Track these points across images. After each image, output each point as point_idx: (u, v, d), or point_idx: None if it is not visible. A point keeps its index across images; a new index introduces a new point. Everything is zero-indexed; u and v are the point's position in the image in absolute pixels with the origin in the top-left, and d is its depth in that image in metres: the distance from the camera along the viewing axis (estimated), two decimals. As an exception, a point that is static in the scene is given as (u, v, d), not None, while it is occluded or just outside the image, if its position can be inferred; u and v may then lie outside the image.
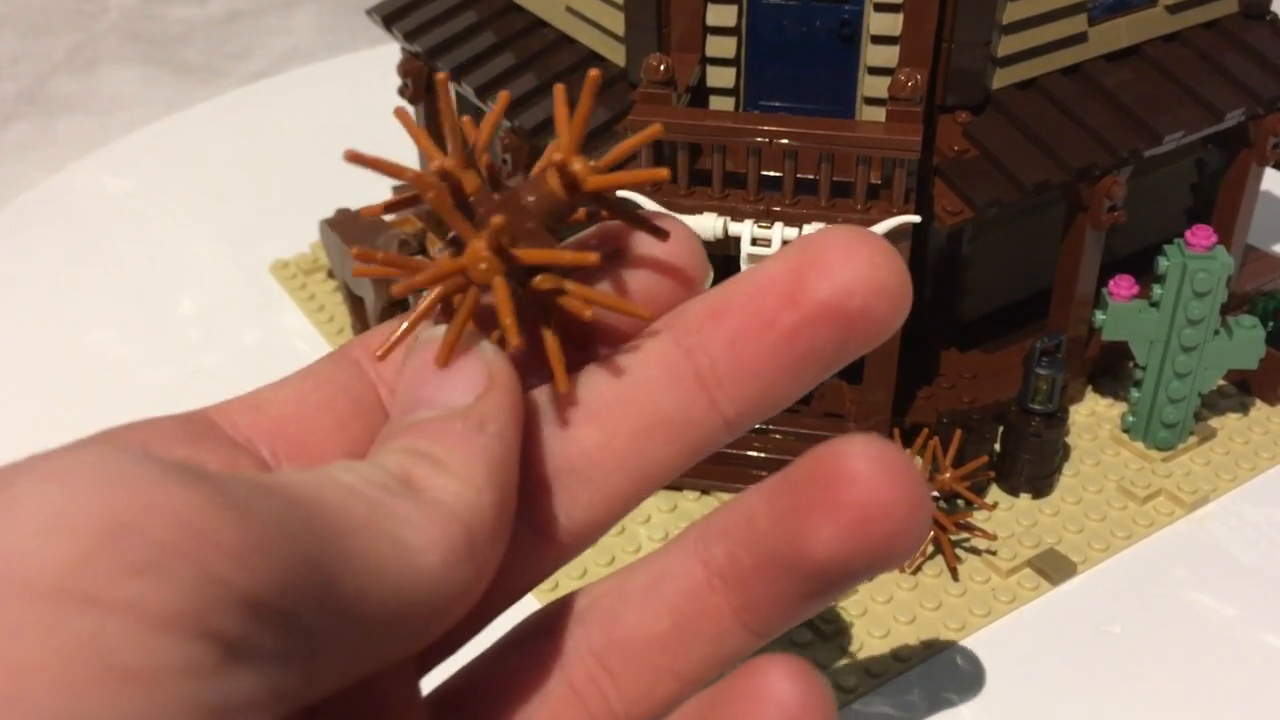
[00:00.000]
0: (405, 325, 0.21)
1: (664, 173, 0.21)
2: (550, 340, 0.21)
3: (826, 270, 0.20)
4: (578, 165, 0.20)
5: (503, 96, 0.22)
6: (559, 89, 0.21)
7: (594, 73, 0.20)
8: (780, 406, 0.22)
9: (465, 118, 0.21)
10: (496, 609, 0.22)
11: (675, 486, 0.65)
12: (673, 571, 0.22)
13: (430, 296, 0.20)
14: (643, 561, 0.22)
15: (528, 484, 0.22)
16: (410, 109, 0.82)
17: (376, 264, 0.20)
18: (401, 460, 0.20)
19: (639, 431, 0.22)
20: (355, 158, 0.20)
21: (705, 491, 0.66)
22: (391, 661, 0.19)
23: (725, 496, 0.65)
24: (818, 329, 0.21)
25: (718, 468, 0.65)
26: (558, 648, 0.22)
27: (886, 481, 0.19)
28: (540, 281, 0.20)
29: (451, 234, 0.21)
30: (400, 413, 0.21)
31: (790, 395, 0.22)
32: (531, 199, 0.20)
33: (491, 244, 0.20)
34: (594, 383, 0.22)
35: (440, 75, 0.20)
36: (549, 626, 0.22)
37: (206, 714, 0.14)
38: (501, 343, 0.21)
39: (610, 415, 0.22)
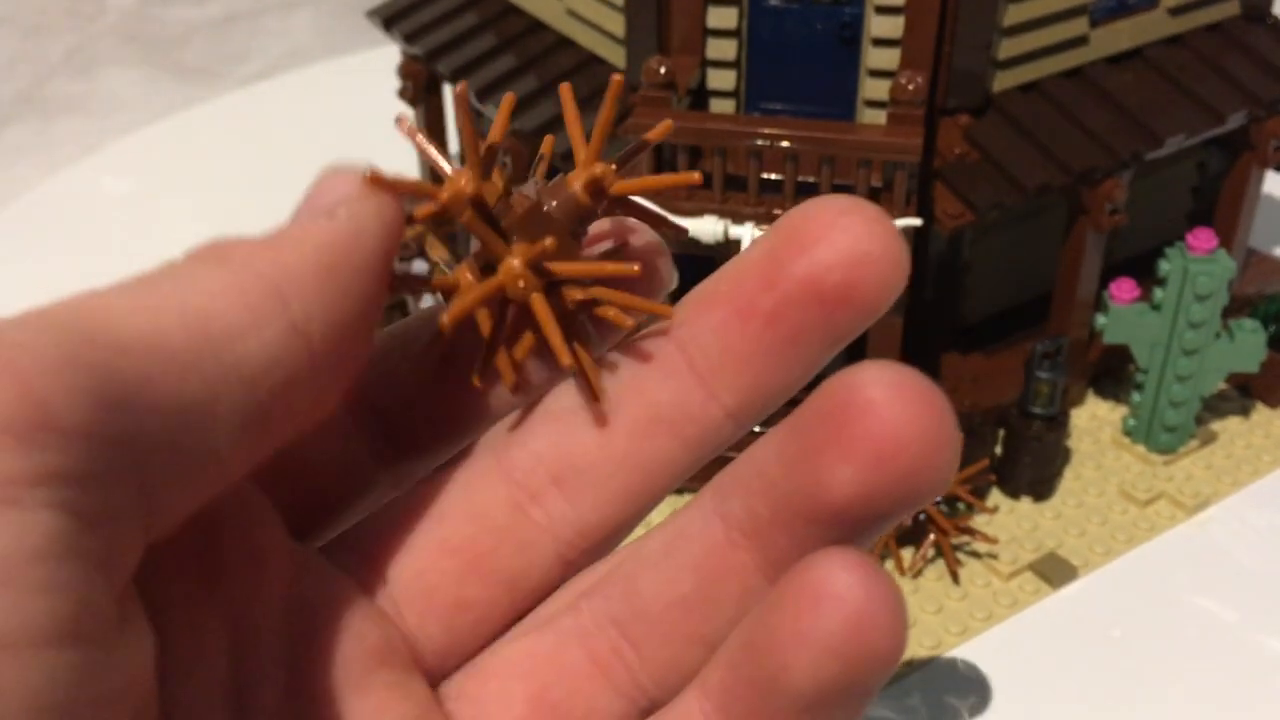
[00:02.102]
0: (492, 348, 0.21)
1: (695, 177, 0.21)
2: (581, 354, 0.21)
3: (802, 247, 0.19)
4: (602, 171, 0.20)
5: (508, 99, 0.22)
6: (566, 91, 0.21)
7: (617, 78, 0.20)
8: (783, 394, 0.20)
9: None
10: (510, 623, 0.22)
11: (676, 490, 0.65)
12: (691, 531, 0.20)
13: (475, 310, 0.20)
14: (661, 525, 0.21)
15: (529, 486, 0.21)
16: (410, 111, 0.82)
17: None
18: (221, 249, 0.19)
19: (637, 428, 0.21)
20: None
21: (705, 495, 0.65)
22: (232, 462, 0.17)
23: (725, 500, 0.65)
24: (799, 309, 0.19)
25: (716, 470, 0.65)
26: (577, 621, 0.21)
27: (906, 410, 0.17)
28: (572, 293, 0.20)
29: (476, 248, 0.20)
30: None
31: (788, 382, 0.20)
32: (554, 203, 0.20)
33: (530, 262, 0.20)
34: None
35: (458, 88, 0.20)
36: (567, 600, 0.21)
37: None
38: (542, 358, 0.21)
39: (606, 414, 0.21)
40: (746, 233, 0.57)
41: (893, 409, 0.17)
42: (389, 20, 0.79)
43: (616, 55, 0.66)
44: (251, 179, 0.97)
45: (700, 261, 0.68)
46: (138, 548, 0.16)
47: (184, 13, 1.12)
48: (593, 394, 0.20)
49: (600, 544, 0.22)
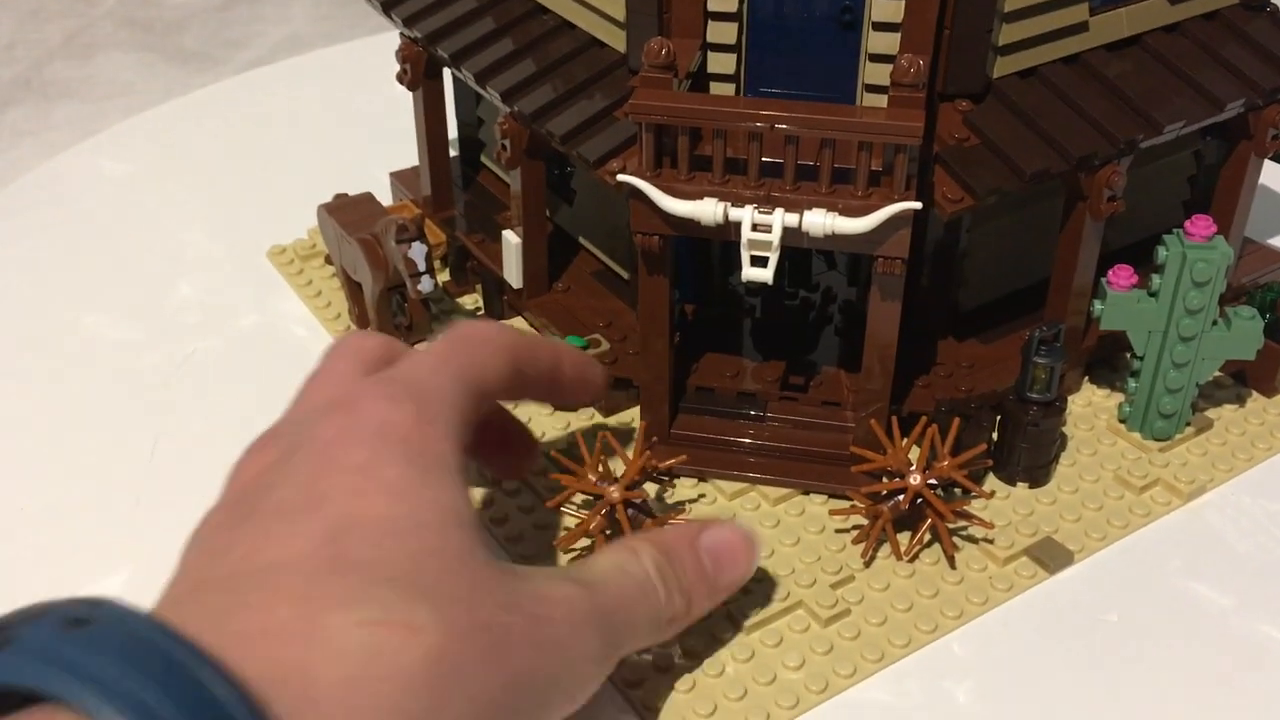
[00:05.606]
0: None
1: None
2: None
3: None
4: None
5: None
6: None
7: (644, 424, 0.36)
8: None
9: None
10: None
11: (668, 473, 0.65)
12: None
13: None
14: None
15: None
16: (409, 95, 0.82)
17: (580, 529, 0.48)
18: None
19: None
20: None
21: (701, 478, 0.66)
22: None
23: (722, 485, 0.65)
24: None
25: (713, 454, 0.65)
26: None
27: None
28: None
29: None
30: None
31: None
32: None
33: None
34: None
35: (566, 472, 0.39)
36: None
37: None
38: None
39: None
40: (746, 216, 0.57)
41: None
42: (387, 3, 0.79)
43: (617, 39, 0.66)
44: (249, 164, 0.97)
45: (699, 244, 0.68)
46: None
47: (183, -3, 1.12)
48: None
49: None
